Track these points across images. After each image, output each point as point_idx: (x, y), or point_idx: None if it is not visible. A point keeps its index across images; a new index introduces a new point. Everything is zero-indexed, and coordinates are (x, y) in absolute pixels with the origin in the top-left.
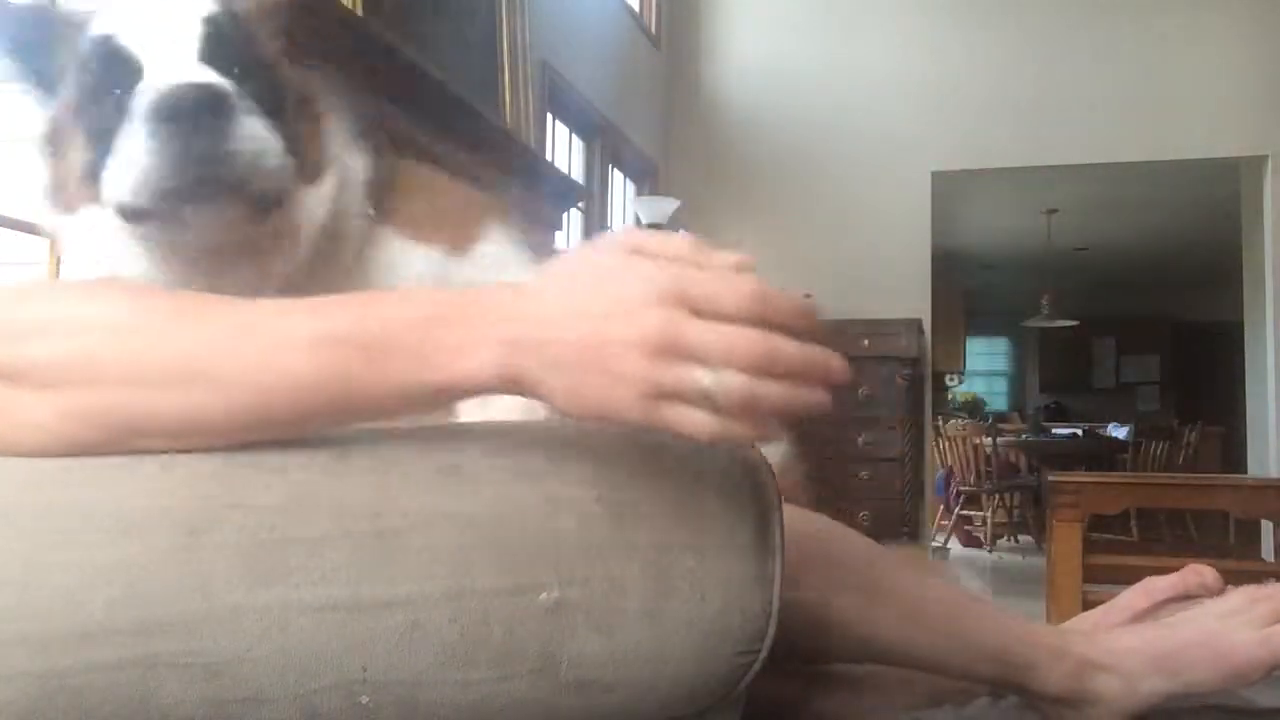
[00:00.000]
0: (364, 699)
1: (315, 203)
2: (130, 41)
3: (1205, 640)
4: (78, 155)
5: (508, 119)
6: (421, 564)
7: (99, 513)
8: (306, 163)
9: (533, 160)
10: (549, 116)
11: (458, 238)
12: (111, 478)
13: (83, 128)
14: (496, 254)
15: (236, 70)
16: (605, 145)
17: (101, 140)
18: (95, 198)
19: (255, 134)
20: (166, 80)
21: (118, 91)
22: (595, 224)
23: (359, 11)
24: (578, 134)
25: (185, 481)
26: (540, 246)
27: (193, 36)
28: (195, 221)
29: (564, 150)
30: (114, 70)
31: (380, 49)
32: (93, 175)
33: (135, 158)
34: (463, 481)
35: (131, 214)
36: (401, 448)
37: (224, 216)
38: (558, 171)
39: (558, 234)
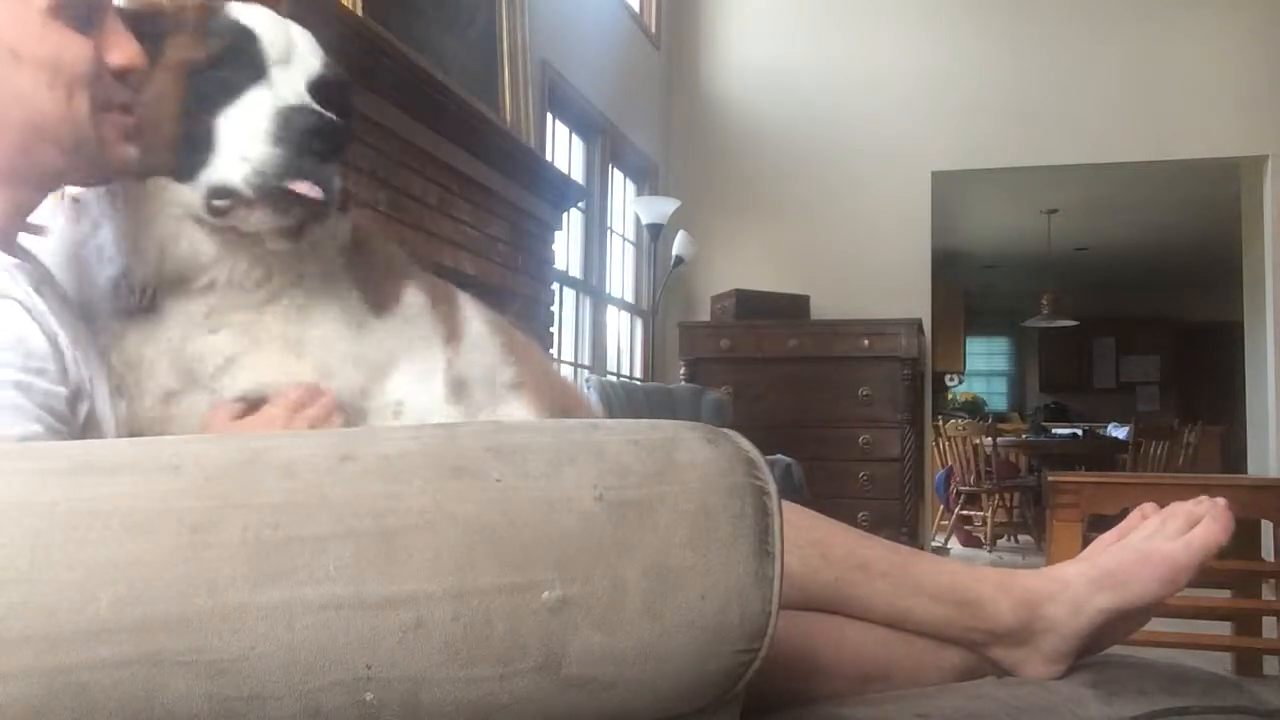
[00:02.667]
0: (368, 696)
1: (340, 228)
2: (267, 46)
3: (1138, 555)
4: (168, 125)
5: (508, 119)
6: (425, 562)
7: (105, 511)
8: (343, 195)
9: (533, 160)
10: (549, 116)
11: (381, 297)
12: (118, 477)
13: (184, 99)
14: (410, 315)
15: (334, 114)
16: (605, 145)
17: (203, 121)
18: (169, 168)
19: (336, 168)
20: (295, 95)
21: (241, 83)
22: (595, 224)
23: (359, 11)
24: (578, 134)
25: (191, 480)
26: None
27: (310, 71)
28: (267, 220)
29: (564, 150)
30: (244, 62)
31: (380, 49)
32: (181, 146)
33: (258, 152)
34: (466, 480)
35: (222, 194)
36: (405, 447)
37: (291, 220)
38: (558, 171)
39: (557, 234)
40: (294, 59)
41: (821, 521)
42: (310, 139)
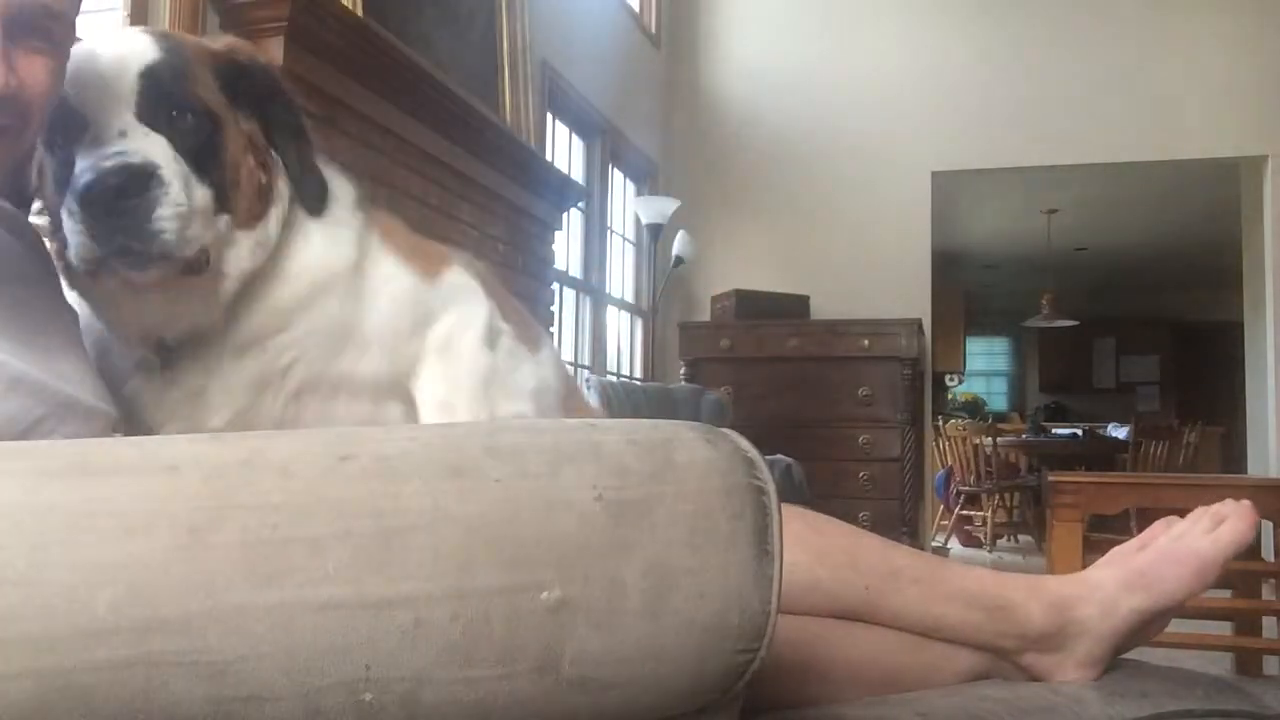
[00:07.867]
0: (367, 697)
1: (249, 247)
2: (77, 99)
3: (1166, 554)
4: (51, 206)
5: (508, 119)
6: (423, 563)
7: (102, 512)
8: (240, 210)
9: (533, 160)
10: (549, 116)
11: (429, 267)
12: (115, 477)
13: (50, 186)
14: (461, 284)
15: (172, 122)
16: (605, 145)
17: (62, 199)
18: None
19: (178, 203)
20: (98, 153)
21: (72, 150)
22: (595, 224)
23: (359, 11)
24: (578, 134)
25: (189, 481)
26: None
27: (130, 91)
28: (130, 281)
29: (564, 150)
30: (68, 129)
31: (380, 49)
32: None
33: (71, 231)
34: (464, 481)
35: (79, 273)
36: (403, 447)
37: (153, 277)
38: (558, 171)
39: (557, 234)
40: (111, 85)
41: (849, 529)
42: (112, 204)
